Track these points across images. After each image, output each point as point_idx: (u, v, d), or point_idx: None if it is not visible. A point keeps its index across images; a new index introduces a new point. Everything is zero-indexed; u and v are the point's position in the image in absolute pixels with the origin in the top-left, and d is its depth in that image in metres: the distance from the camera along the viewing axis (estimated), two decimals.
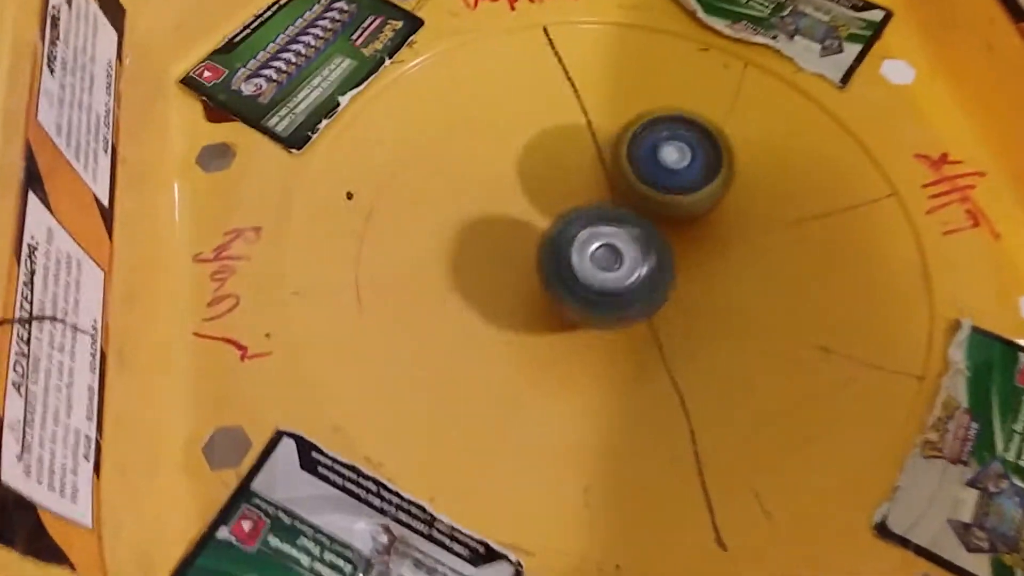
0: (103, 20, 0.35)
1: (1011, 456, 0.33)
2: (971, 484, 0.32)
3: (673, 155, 0.37)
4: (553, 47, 0.44)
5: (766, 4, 0.45)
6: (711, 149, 0.37)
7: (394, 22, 0.44)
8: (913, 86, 0.43)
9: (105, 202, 0.32)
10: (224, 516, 0.30)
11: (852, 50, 0.43)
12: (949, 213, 0.39)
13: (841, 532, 0.32)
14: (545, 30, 0.44)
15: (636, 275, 0.33)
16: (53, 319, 0.26)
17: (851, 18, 0.45)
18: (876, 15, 0.45)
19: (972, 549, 0.31)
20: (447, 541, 0.30)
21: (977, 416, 0.34)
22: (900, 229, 0.38)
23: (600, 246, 0.33)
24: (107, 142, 0.33)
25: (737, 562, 0.31)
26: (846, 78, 0.42)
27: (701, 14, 0.44)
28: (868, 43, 0.44)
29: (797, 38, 0.44)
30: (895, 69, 0.43)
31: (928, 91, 0.42)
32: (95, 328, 0.29)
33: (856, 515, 0.32)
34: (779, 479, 0.33)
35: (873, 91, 0.42)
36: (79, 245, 0.29)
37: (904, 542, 0.31)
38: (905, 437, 0.33)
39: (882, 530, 0.31)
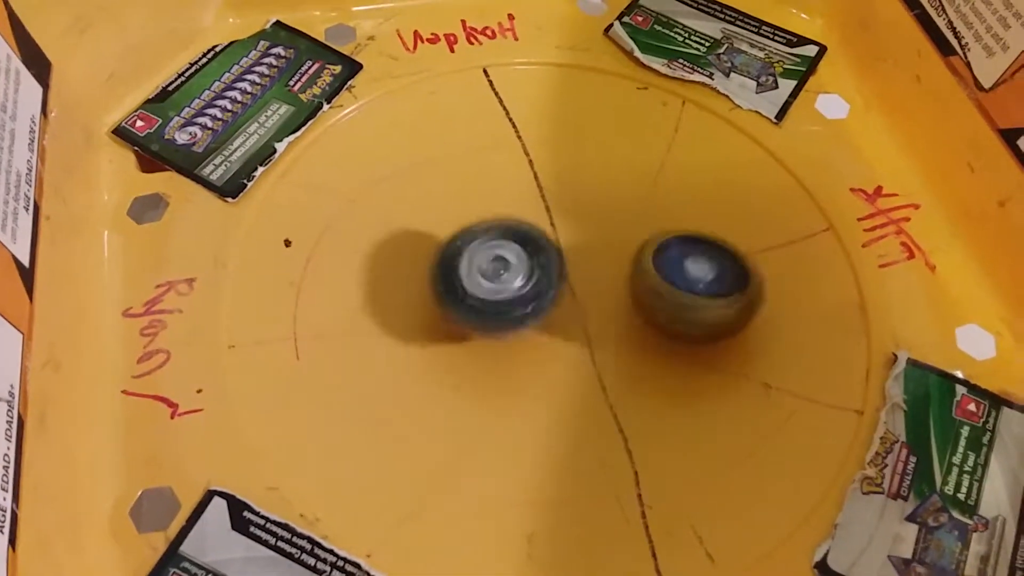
0: (26, 75, 0.34)
1: (950, 489, 0.33)
2: (911, 519, 0.32)
3: (701, 269, 0.35)
4: (493, 88, 0.44)
5: (703, 42, 0.45)
6: (736, 268, 0.35)
7: (332, 67, 0.44)
8: (847, 120, 0.43)
9: (25, 262, 0.31)
10: None
11: (787, 86, 0.44)
12: (885, 246, 0.39)
13: (783, 572, 0.31)
14: (485, 71, 0.45)
15: (521, 283, 0.34)
16: None
17: (785, 54, 0.45)
18: (810, 50, 0.45)
19: None
20: None
21: (915, 450, 0.34)
22: (837, 263, 0.39)
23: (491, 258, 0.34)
24: (28, 200, 0.32)
25: None
26: (781, 114, 0.43)
27: (638, 53, 0.44)
28: (803, 79, 0.44)
29: (733, 75, 0.44)
30: (829, 104, 0.44)
31: (862, 125, 0.43)
32: (12, 394, 0.28)
33: (798, 554, 0.32)
34: (722, 519, 0.33)
35: (808, 126, 0.43)
36: None
37: None
38: (846, 472, 0.33)
39: (823, 569, 0.31)
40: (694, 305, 0.34)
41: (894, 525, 0.32)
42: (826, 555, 0.31)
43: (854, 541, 0.32)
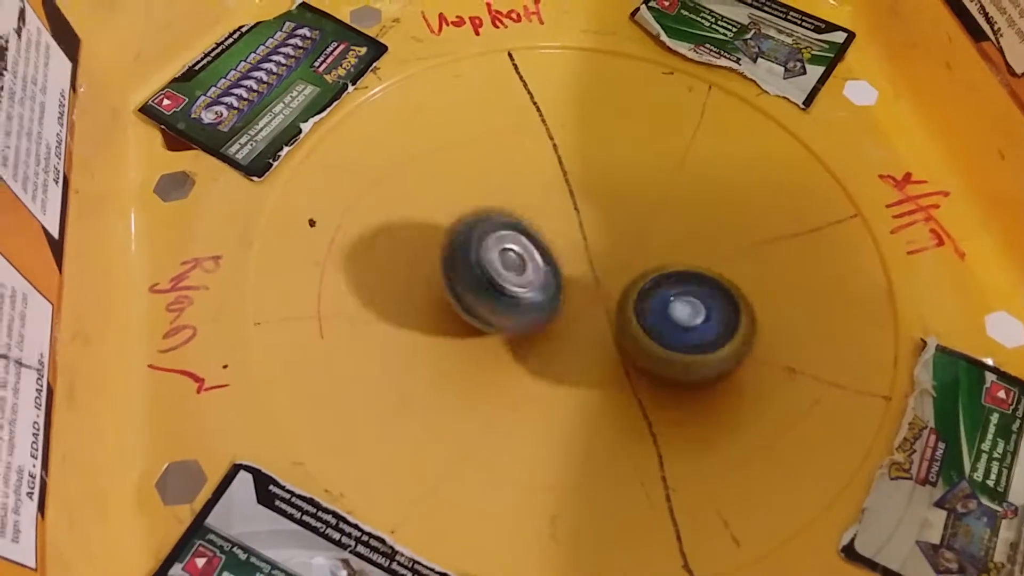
0: (56, 50, 0.34)
1: (979, 476, 0.32)
2: (939, 505, 0.32)
3: (688, 312, 0.33)
4: (518, 72, 0.44)
5: (729, 27, 0.45)
6: (726, 306, 0.33)
7: (357, 48, 0.44)
8: (876, 107, 0.43)
9: (55, 234, 0.31)
10: (177, 553, 0.29)
11: (815, 72, 0.43)
12: (913, 233, 0.39)
13: (809, 556, 0.31)
14: (510, 55, 0.44)
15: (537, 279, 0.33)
16: None
17: (814, 40, 0.45)
18: (838, 37, 0.45)
19: (941, 571, 0.31)
20: (408, 574, 0.30)
21: (944, 436, 0.33)
22: (865, 249, 0.38)
23: (504, 250, 0.34)
24: (58, 172, 0.32)
25: None
26: (809, 100, 0.42)
27: (664, 38, 0.44)
28: (831, 65, 0.44)
29: (760, 60, 0.44)
30: (858, 90, 0.43)
31: (891, 111, 0.42)
32: (42, 363, 0.28)
33: (824, 538, 0.31)
34: (746, 503, 0.32)
35: (836, 112, 0.42)
36: (25, 278, 0.28)
37: (872, 565, 0.31)
38: (873, 458, 0.33)
39: (850, 553, 0.31)
40: (681, 362, 0.32)
41: (922, 511, 0.32)
42: (853, 539, 0.31)
43: (882, 526, 0.31)
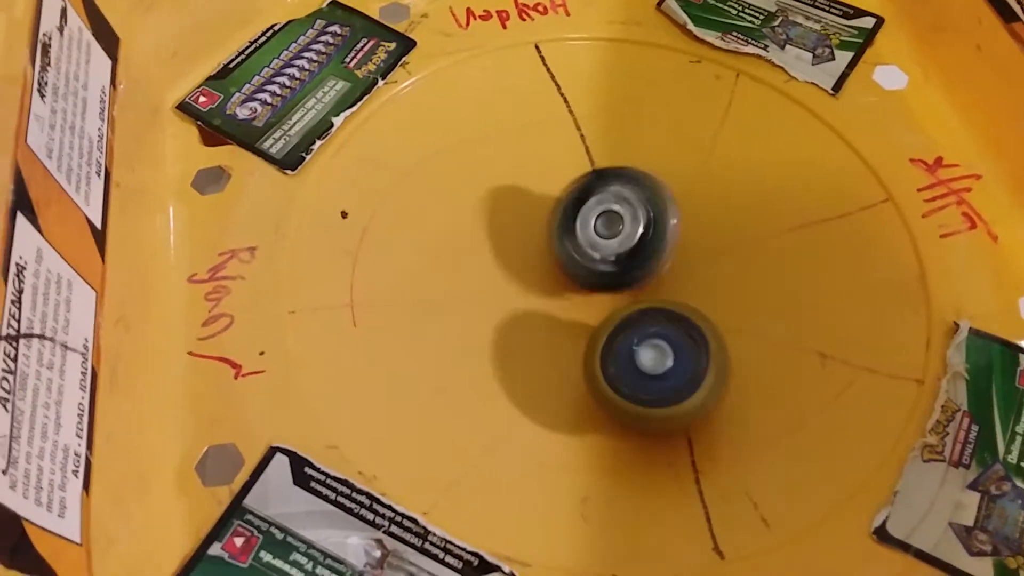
0: (96, 47, 0.35)
1: (1013, 458, 0.32)
2: (972, 487, 0.32)
3: (655, 358, 0.31)
4: (545, 64, 0.44)
5: (757, 15, 0.45)
6: (697, 349, 0.31)
7: (387, 44, 0.44)
8: (906, 91, 0.42)
9: (98, 224, 0.32)
10: (216, 532, 0.30)
11: (844, 57, 0.43)
12: (945, 216, 0.38)
13: (840, 538, 0.31)
14: (537, 47, 0.45)
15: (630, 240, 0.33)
16: (42, 337, 0.26)
17: (842, 26, 0.45)
18: (867, 22, 0.45)
19: (974, 552, 0.30)
20: (440, 554, 0.30)
21: (978, 418, 0.33)
22: (896, 233, 0.38)
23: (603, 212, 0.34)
24: (100, 166, 0.33)
25: (735, 570, 0.31)
26: (838, 85, 0.42)
27: (691, 26, 0.44)
28: (860, 50, 0.44)
29: (788, 47, 0.44)
30: (887, 75, 0.43)
31: (921, 95, 0.42)
32: (86, 347, 0.29)
33: (855, 520, 0.31)
34: (776, 485, 0.32)
35: (866, 97, 0.42)
36: (70, 265, 0.29)
37: (905, 547, 0.31)
38: (905, 441, 0.33)
39: (882, 535, 0.31)
40: (647, 416, 0.31)
41: (956, 493, 0.32)
42: (885, 521, 0.31)
43: (914, 508, 0.31)
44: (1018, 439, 0.33)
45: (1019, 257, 0.37)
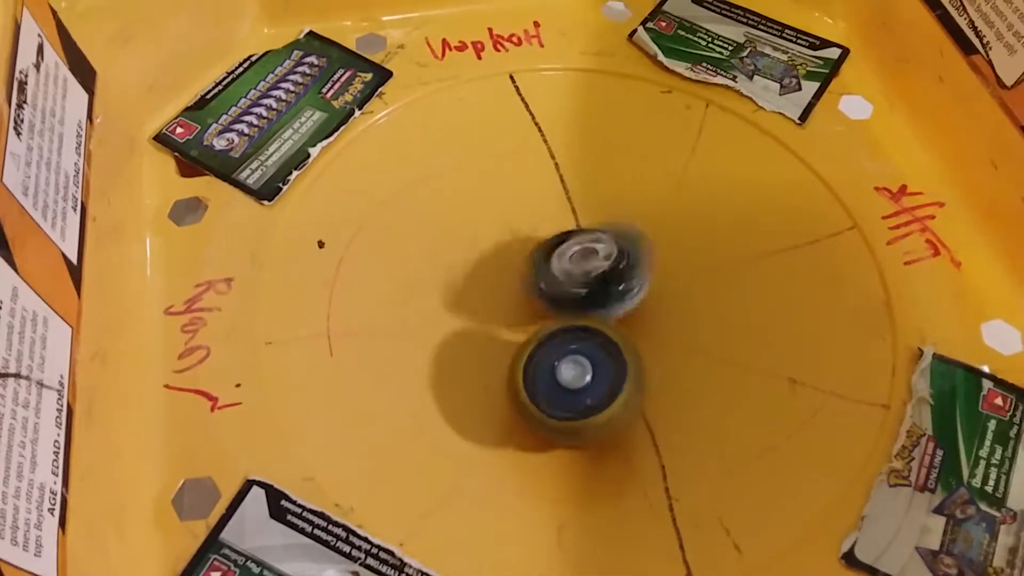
0: (73, 82, 0.36)
1: (977, 482, 0.33)
2: (938, 511, 0.32)
3: (574, 372, 0.32)
4: (520, 94, 0.45)
5: (725, 46, 0.46)
6: (615, 363, 0.33)
7: (363, 74, 0.45)
8: (871, 120, 0.44)
9: (74, 260, 0.32)
10: (193, 567, 0.30)
11: (810, 88, 0.44)
12: (910, 243, 0.39)
13: (810, 563, 0.32)
14: (511, 77, 0.46)
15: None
16: (17, 376, 0.27)
17: (809, 57, 0.46)
18: (833, 53, 0.46)
19: None
20: None
21: (942, 443, 0.34)
22: (862, 261, 0.39)
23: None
24: (76, 200, 0.34)
25: None
26: (805, 115, 0.43)
27: (662, 57, 0.45)
28: (826, 80, 0.45)
29: (756, 78, 0.45)
30: (853, 104, 0.44)
31: (886, 125, 0.43)
32: (62, 383, 0.29)
33: (824, 545, 0.32)
34: (748, 512, 0.33)
35: (832, 127, 0.43)
36: (46, 302, 0.29)
37: (872, 571, 0.31)
38: (871, 466, 0.34)
39: (850, 559, 0.31)
40: (564, 430, 0.32)
41: (921, 517, 0.32)
42: (853, 546, 0.32)
43: (881, 532, 0.32)
44: (982, 463, 0.33)
45: (981, 283, 0.38)
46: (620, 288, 0.35)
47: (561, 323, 0.34)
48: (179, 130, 0.42)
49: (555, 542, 0.32)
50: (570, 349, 0.33)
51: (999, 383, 0.35)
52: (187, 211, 0.40)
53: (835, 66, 0.45)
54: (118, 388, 0.33)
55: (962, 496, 0.33)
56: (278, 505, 0.32)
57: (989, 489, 0.33)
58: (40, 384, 0.28)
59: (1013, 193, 0.38)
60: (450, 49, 0.46)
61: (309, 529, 0.31)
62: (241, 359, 0.36)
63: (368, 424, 0.35)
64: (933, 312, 0.37)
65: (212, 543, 0.31)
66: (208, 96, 0.44)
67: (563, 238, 0.36)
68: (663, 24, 0.47)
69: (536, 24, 0.47)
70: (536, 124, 0.44)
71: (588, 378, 0.32)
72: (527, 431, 0.34)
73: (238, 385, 0.35)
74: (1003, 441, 0.34)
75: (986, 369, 0.36)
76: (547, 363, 0.33)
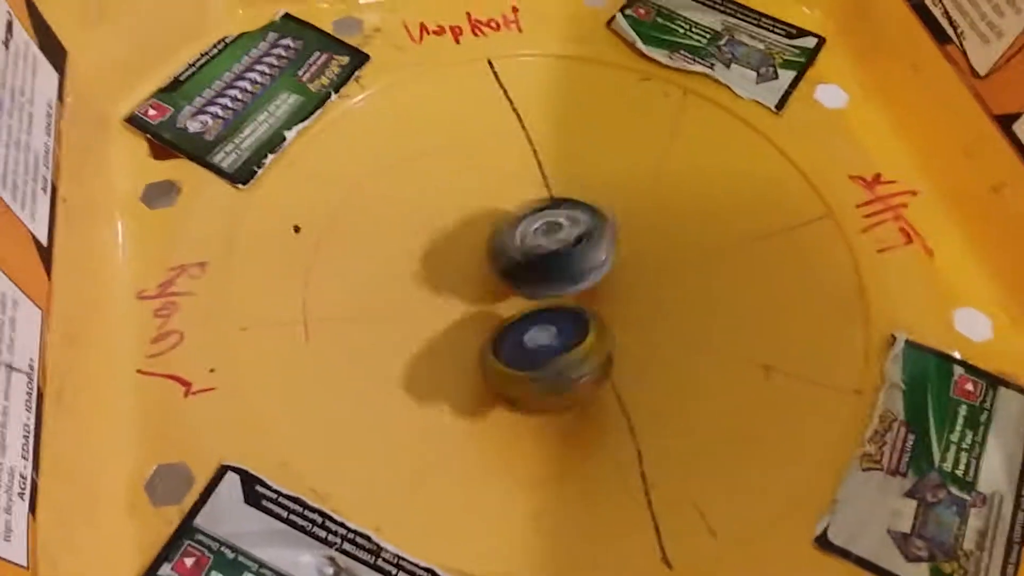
0: (43, 61, 0.35)
1: (948, 466, 0.33)
2: (909, 495, 0.33)
3: (540, 337, 0.33)
4: (498, 79, 0.45)
5: (704, 34, 0.46)
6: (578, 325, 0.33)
7: (340, 58, 0.45)
8: (846, 110, 0.44)
9: (44, 241, 0.32)
10: (166, 553, 0.30)
11: (787, 76, 0.45)
12: (883, 231, 0.40)
13: (783, 546, 0.32)
14: (490, 63, 0.45)
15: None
16: None
17: (785, 45, 0.46)
18: (809, 42, 0.46)
19: (911, 558, 0.32)
20: (393, 570, 0.30)
21: (914, 428, 0.34)
22: (836, 248, 0.39)
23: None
24: (46, 181, 0.33)
25: None
26: (781, 103, 0.44)
27: (640, 45, 0.45)
28: (802, 69, 0.45)
29: (734, 66, 0.45)
30: (829, 93, 0.44)
31: (861, 114, 0.44)
32: (32, 367, 0.29)
33: (798, 529, 0.32)
34: (723, 496, 0.33)
35: (808, 115, 0.44)
36: (15, 284, 0.29)
37: (845, 554, 0.32)
38: (844, 450, 0.34)
39: (823, 542, 0.32)
40: (518, 379, 0.32)
41: (893, 500, 0.33)
42: (826, 529, 0.32)
43: (854, 516, 0.32)
44: (952, 448, 0.34)
45: (953, 271, 0.39)
46: (583, 264, 0.35)
47: (536, 304, 0.34)
48: (152, 112, 0.42)
49: (532, 526, 0.32)
50: (541, 318, 0.34)
51: (970, 369, 0.36)
52: (160, 194, 0.39)
53: (811, 55, 0.46)
54: (89, 372, 0.33)
55: (933, 480, 0.33)
56: (253, 490, 0.32)
57: (960, 473, 0.33)
58: (9, 367, 0.27)
59: (985, 182, 0.38)
60: (428, 33, 0.46)
61: (284, 514, 0.31)
62: (215, 344, 0.35)
63: (344, 409, 0.35)
64: (906, 299, 0.38)
65: (186, 529, 0.31)
66: (181, 78, 0.43)
67: (525, 214, 0.36)
68: (641, 11, 0.47)
69: (515, 9, 0.47)
70: (515, 110, 0.44)
71: (553, 339, 0.33)
72: (504, 417, 0.34)
73: (212, 370, 0.35)
74: (973, 426, 0.34)
75: (957, 355, 0.36)
76: (517, 334, 0.33)
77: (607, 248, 0.35)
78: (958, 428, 0.34)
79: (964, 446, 0.34)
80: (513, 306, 0.36)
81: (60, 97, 0.36)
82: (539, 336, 0.33)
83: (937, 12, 0.40)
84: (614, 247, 0.35)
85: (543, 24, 0.47)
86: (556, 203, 0.37)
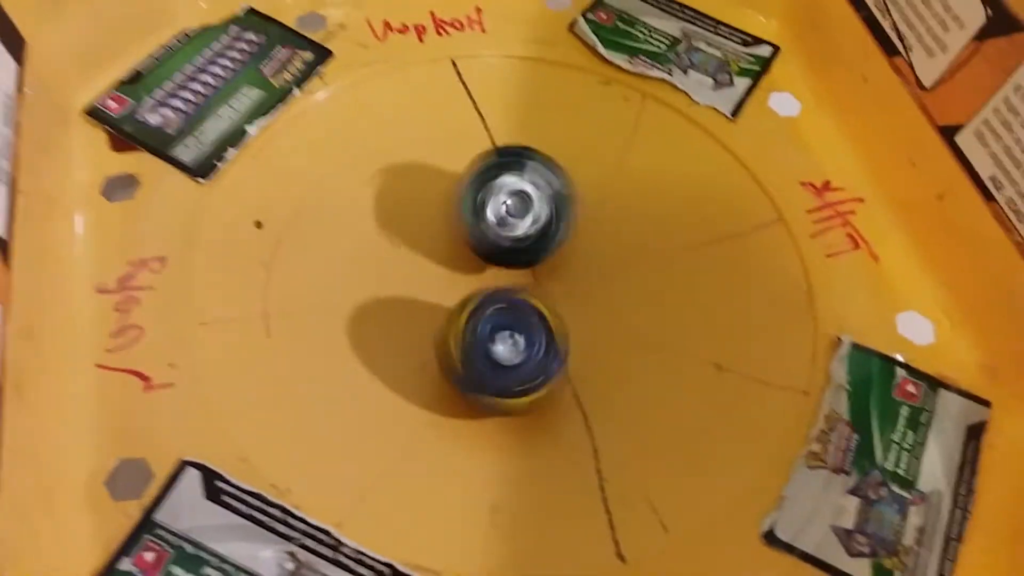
0: (2, 51, 0.34)
1: (890, 465, 0.35)
2: (852, 492, 0.34)
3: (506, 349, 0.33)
4: (461, 79, 0.45)
5: (663, 40, 0.47)
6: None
7: (303, 53, 0.45)
8: (799, 118, 0.45)
9: (3, 234, 0.31)
10: (126, 547, 0.30)
11: (742, 84, 0.46)
12: (832, 237, 0.41)
13: (732, 541, 0.33)
14: (453, 62, 0.46)
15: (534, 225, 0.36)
16: None
17: (741, 53, 0.47)
18: (764, 51, 0.47)
19: (854, 554, 0.33)
20: (353, 565, 0.31)
21: (858, 428, 0.36)
22: (787, 252, 0.41)
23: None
24: (5, 173, 0.33)
25: (635, 573, 0.32)
26: (736, 110, 0.45)
27: (601, 49, 0.46)
28: (757, 77, 0.46)
29: (691, 72, 0.46)
30: (782, 101, 0.46)
31: (812, 122, 0.45)
32: None
33: (746, 524, 0.33)
34: (675, 493, 0.34)
35: (762, 122, 0.45)
36: None
37: (790, 549, 0.33)
38: (791, 449, 0.35)
39: (770, 538, 0.33)
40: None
41: (837, 497, 0.34)
42: (773, 525, 0.33)
43: (799, 512, 0.34)
44: (894, 447, 0.35)
45: (898, 276, 0.40)
46: (558, 239, 0.36)
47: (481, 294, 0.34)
48: (112, 104, 0.41)
49: (489, 521, 0.33)
50: (499, 323, 0.33)
51: (912, 371, 0.37)
52: (119, 187, 0.39)
53: (766, 64, 0.47)
54: (48, 367, 0.33)
55: (875, 478, 0.35)
56: (213, 486, 0.32)
57: (901, 472, 0.35)
58: None
59: (929, 190, 0.40)
60: (392, 31, 0.46)
61: (245, 510, 0.31)
62: (175, 339, 0.35)
63: (304, 405, 0.35)
64: (852, 303, 0.39)
65: (146, 524, 0.31)
66: (143, 70, 0.43)
67: (488, 175, 0.36)
68: (603, 16, 0.48)
69: (478, 10, 0.47)
70: (477, 110, 0.44)
71: (520, 353, 0.33)
72: (462, 411, 0.35)
73: (172, 365, 0.35)
74: (914, 426, 0.36)
75: (900, 358, 0.38)
76: (481, 346, 0.33)
77: (573, 216, 0.36)
78: (900, 428, 0.36)
79: (905, 446, 0.35)
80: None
81: (19, 88, 0.35)
82: (505, 351, 0.32)
83: (887, 25, 0.41)
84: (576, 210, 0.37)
85: (506, 25, 0.47)
86: (508, 160, 0.36)
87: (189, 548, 0.30)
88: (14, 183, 0.33)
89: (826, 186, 0.43)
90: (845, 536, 0.33)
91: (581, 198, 0.40)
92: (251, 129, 0.41)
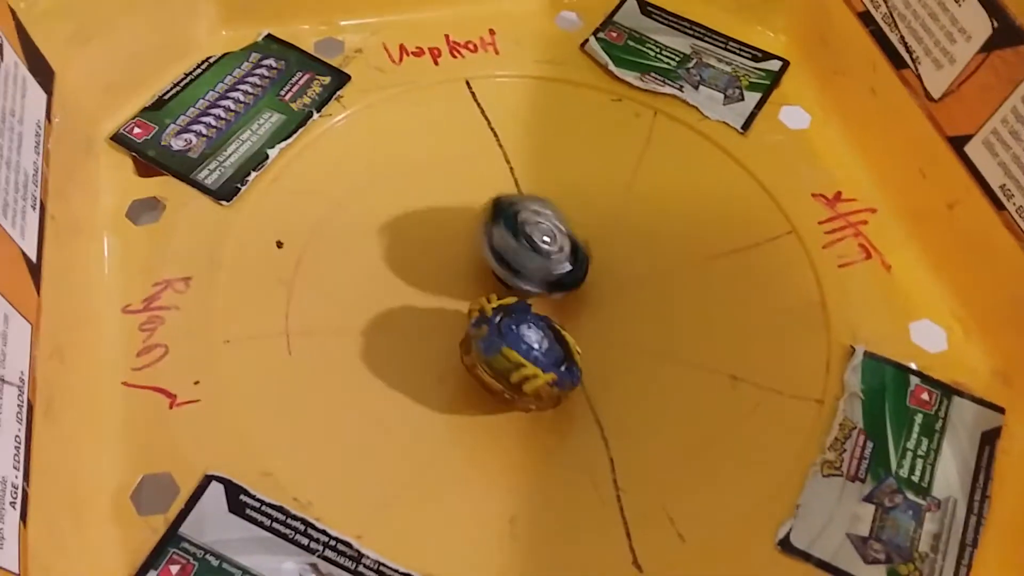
0: (32, 82, 0.36)
1: (904, 472, 0.35)
2: (868, 500, 0.34)
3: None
4: (476, 99, 0.46)
5: (673, 57, 0.48)
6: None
7: (322, 78, 0.46)
8: (809, 130, 0.46)
9: (33, 257, 0.33)
10: (152, 560, 0.31)
11: (752, 98, 0.46)
12: (844, 247, 0.41)
13: (749, 550, 0.33)
14: (468, 83, 0.47)
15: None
16: None
17: (751, 68, 0.48)
18: (774, 65, 0.48)
19: (869, 561, 0.33)
20: None
21: (872, 436, 0.36)
22: (799, 263, 0.41)
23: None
24: (35, 199, 0.34)
25: None
26: (747, 124, 0.45)
27: (612, 67, 0.47)
28: (767, 91, 0.47)
29: (702, 88, 0.47)
30: (792, 115, 0.46)
31: (822, 134, 0.45)
32: (22, 380, 0.30)
33: (762, 533, 0.34)
34: (692, 502, 0.34)
35: (772, 136, 0.45)
36: (6, 300, 0.30)
37: (806, 556, 0.33)
38: (806, 457, 0.35)
39: (786, 546, 0.33)
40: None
41: (852, 505, 0.34)
42: (789, 533, 0.33)
43: (815, 520, 0.34)
44: (909, 454, 0.36)
45: (910, 285, 0.40)
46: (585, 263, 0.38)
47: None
48: (137, 130, 0.42)
49: (508, 532, 0.34)
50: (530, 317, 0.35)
51: (925, 379, 0.37)
52: (145, 210, 0.40)
53: (776, 78, 0.47)
54: (76, 385, 0.34)
55: (890, 486, 0.35)
56: (237, 499, 0.32)
57: (915, 479, 0.35)
58: (1, 380, 0.28)
59: (940, 200, 0.40)
60: (407, 54, 0.47)
61: (268, 523, 0.32)
62: (199, 357, 0.36)
63: (326, 420, 0.36)
64: (865, 312, 0.39)
65: (171, 537, 0.31)
66: (166, 97, 0.44)
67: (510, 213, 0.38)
68: (614, 35, 0.48)
69: (492, 32, 0.49)
70: (492, 129, 0.45)
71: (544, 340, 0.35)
72: (482, 426, 0.36)
73: (196, 383, 0.36)
74: (929, 434, 0.36)
75: (913, 366, 0.38)
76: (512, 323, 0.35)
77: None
78: (914, 436, 0.36)
79: (920, 453, 0.36)
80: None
81: (48, 117, 0.37)
82: (532, 335, 0.35)
83: (894, 38, 0.42)
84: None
85: (519, 46, 0.48)
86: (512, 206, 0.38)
87: (213, 561, 0.31)
88: (44, 208, 0.34)
89: (837, 197, 0.43)
90: (861, 543, 0.33)
91: (595, 213, 0.41)
92: (272, 152, 0.42)
